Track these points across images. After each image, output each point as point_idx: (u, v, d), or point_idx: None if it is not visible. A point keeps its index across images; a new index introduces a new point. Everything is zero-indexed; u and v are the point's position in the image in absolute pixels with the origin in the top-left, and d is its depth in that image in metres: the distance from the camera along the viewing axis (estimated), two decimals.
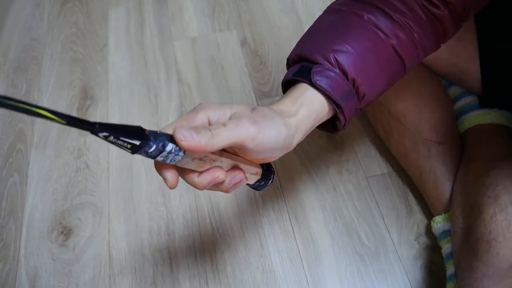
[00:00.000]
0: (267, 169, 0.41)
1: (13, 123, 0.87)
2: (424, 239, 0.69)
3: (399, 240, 0.69)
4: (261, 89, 0.89)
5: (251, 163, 0.38)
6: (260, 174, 0.41)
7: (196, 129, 0.32)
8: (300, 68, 0.41)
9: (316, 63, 0.40)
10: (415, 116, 0.67)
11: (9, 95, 0.93)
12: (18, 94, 0.92)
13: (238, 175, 0.37)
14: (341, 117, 0.41)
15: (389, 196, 0.74)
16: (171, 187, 0.34)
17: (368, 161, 0.78)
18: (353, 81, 0.40)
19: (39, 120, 0.87)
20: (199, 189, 0.35)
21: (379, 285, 0.66)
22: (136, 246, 0.71)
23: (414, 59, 0.45)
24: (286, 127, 0.36)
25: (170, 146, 0.31)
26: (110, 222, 0.74)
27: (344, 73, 0.40)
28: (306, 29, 0.46)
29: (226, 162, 0.36)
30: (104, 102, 0.90)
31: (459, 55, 0.66)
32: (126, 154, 0.81)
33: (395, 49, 0.42)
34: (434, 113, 0.67)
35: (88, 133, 0.83)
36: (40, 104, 0.90)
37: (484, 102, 0.70)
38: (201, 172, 0.35)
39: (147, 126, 0.84)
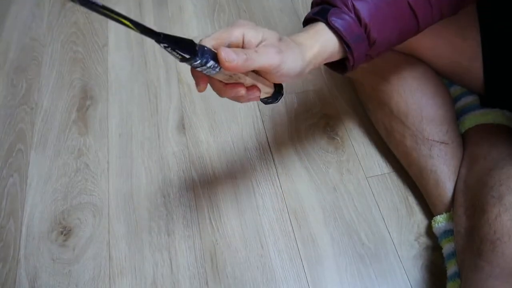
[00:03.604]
0: (278, 91, 0.48)
1: (13, 123, 0.87)
2: (424, 239, 0.69)
3: (399, 240, 0.69)
4: None
5: (268, 83, 0.44)
6: (271, 93, 0.47)
7: (235, 51, 0.38)
8: (320, 9, 0.46)
9: (335, 6, 0.45)
10: (417, 115, 0.67)
11: (9, 95, 0.92)
12: (18, 94, 0.92)
13: (255, 93, 0.43)
14: (350, 57, 0.46)
15: (389, 196, 0.74)
16: (200, 91, 0.42)
17: (368, 161, 0.78)
18: (366, 26, 0.45)
19: (39, 120, 0.87)
20: (221, 96, 0.42)
21: (379, 285, 0.66)
22: (136, 246, 0.71)
23: (428, 18, 0.49)
24: (302, 60, 0.42)
25: (211, 63, 0.38)
26: (110, 222, 0.74)
27: (358, 18, 0.44)
28: None
29: (249, 80, 0.42)
30: (104, 102, 0.90)
31: (462, 53, 0.66)
32: (126, 154, 0.81)
33: (410, 5, 0.46)
34: (435, 113, 0.67)
35: (87, 133, 0.82)
36: (40, 104, 0.90)
37: (485, 102, 0.70)
38: (226, 84, 0.41)
39: (147, 126, 0.85)
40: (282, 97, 0.50)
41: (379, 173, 0.76)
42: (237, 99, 0.43)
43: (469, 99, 0.71)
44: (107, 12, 0.30)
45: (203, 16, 1.04)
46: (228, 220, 0.73)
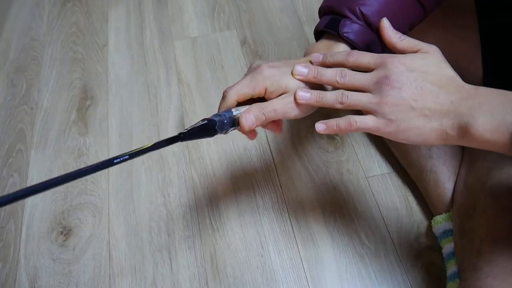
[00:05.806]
0: None
1: (13, 123, 0.87)
2: (424, 239, 0.69)
3: (399, 240, 0.69)
4: None
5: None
6: None
7: (253, 112, 0.43)
8: (330, 20, 0.48)
9: (344, 16, 0.47)
10: None
11: (9, 95, 0.92)
12: (18, 94, 0.92)
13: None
14: None
15: (389, 196, 0.74)
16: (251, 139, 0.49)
17: (368, 161, 0.78)
18: (377, 30, 0.46)
19: (39, 120, 0.87)
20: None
21: (379, 285, 0.66)
22: (136, 246, 0.71)
23: (434, 4, 0.50)
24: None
25: (231, 129, 0.43)
26: (110, 222, 0.74)
27: (369, 24, 0.46)
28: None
29: None
30: (104, 102, 0.90)
31: (462, 54, 0.66)
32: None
33: None
34: None
35: (87, 133, 0.81)
36: (40, 104, 0.90)
37: None
38: None
39: (147, 126, 0.85)
40: None
41: (379, 173, 0.76)
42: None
43: None
44: (133, 155, 0.37)
45: (203, 16, 1.04)
46: (228, 220, 0.73)
